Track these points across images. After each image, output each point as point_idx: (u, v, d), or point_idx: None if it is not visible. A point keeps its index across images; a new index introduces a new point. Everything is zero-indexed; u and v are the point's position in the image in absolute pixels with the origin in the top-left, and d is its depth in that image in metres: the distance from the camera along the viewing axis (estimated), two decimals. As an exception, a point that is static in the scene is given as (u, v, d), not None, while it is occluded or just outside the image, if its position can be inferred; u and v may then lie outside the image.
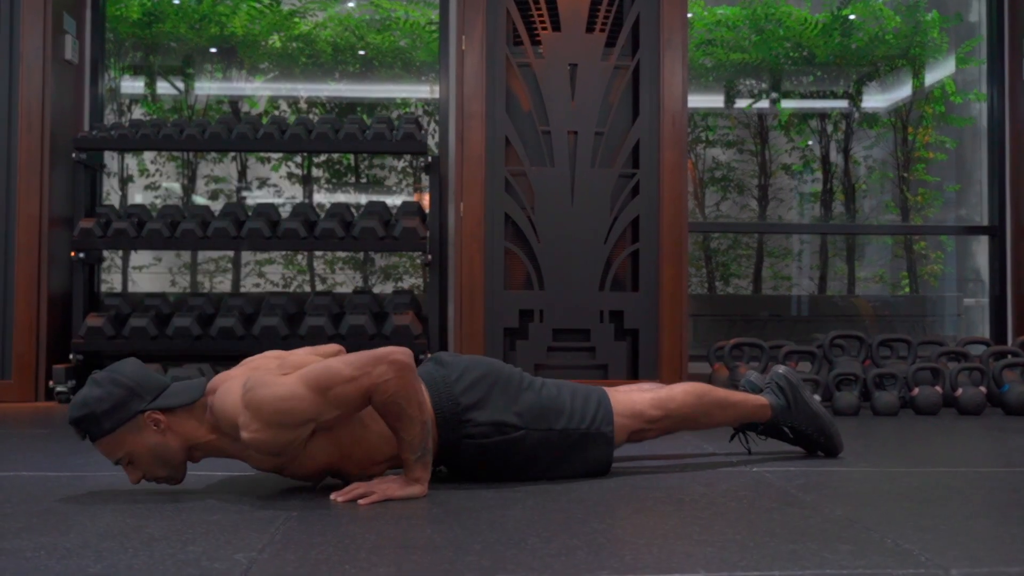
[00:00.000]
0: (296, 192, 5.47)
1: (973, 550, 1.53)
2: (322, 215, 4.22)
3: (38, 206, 4.02)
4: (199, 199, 5.40)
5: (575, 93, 4.28)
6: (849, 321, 5.55)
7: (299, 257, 5.48)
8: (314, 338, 3.94)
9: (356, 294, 4.25)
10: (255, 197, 5.45)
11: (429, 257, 4.18)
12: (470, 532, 1.64)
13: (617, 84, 4.31)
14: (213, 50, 5.39)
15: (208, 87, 5.42)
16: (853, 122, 5.85)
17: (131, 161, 5.34)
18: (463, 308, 4.17)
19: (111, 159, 5.15)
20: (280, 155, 5.37)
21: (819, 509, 1.85)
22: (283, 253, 5.40)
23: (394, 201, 4.75)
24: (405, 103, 5.45)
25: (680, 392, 2.30)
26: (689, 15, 4.50)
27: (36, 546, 1.54)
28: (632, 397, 2.27)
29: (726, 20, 5.65)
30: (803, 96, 5.92)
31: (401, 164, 5.47)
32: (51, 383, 3.97)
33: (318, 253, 5.41)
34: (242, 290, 5.36)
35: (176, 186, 5.46)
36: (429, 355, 4.06)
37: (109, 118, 4.88)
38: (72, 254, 4.09)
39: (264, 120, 4.27)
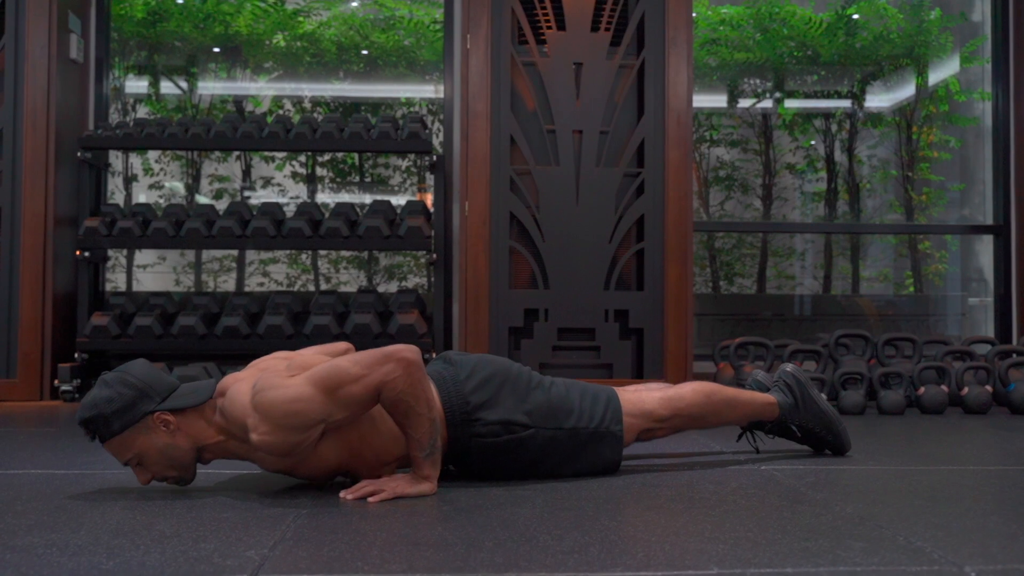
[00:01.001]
0: (300, 191, 5.46)
1: (987, 547, 1.53)
2: (327, 214, 4.22)
3: (43, 205, 4.02)
4: (203, 198, 5.40)
5: (580, 92, 4.27)
6: (853, 321, 5.54)
7: (303, 256, 5.48)
8: (319, 337, 3.94)
9: (361, 293, 4.25)
10: (259, 197, 5.45)
11: (434, 256, 4.18)
12: (481, 529, 1.64)
13: (622, 83, 4.31)
14: (217, 49, 5.39)
15: (212, 86, 5.42)
16: (857, 121, 5.84)
17: (135, 160, 5.34)
18: (468, 307, 4.17)
19: (115, 158, 5.15)
20: (284, 154, 5.36)
21: (830, 507, 1.84)
22: (287, 252, 5.40)
23: (398, 200, 4.76)
24: (409, 102, 5.44)
25: (689, 391, 2.30)
26: (693, 14, 4.49)
27: (47, 543, 1.54)
28: (641, 396, 2.26)
29: (730, 19, 5.65)
30: (807, 95, 5.91)
31: (405, 163, 5.47)
32: (56, 382, 3.97)
33: (322, 252, 5.40)
34: (246, 289, 5.36)
35: (180, 185, 5.46)
36: (435, 354, 4.07)
37: (113, 117, 4.88)
38: (77, 253, 4.09)
39: (269, 119, 4.27)
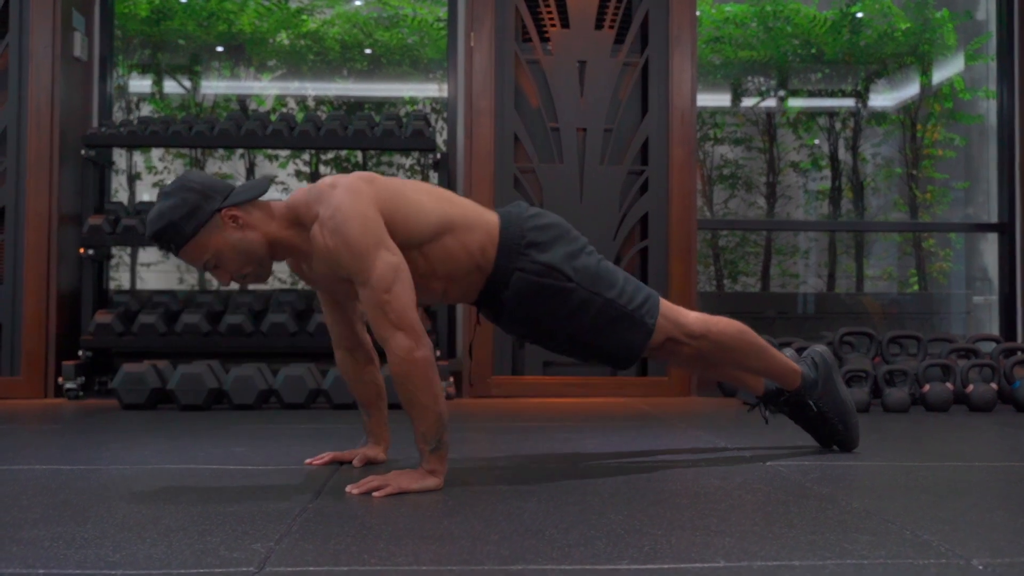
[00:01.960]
0: (303, 190, 5.46)
1: (994, 541, 1.52)
2: (331, 212, 4.21)
3: (47, 203, 4.02)
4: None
5: (584, 90, 4.27)
6: (857, 319, 5.54)
7: (307, 255, 5.47)
8: (323, 335, 3.94)
9: (365, 291, 4.23)
10: (263, 195, 5.45)
11: (438, 254, 4.17)
12: (487, 523, 1.64)
13: (626, 81, 4.31)
14: (220, 48, 5.39)
15: (216, 85, 5.43)
16: (861, 119, 5.83)
17: (139, 158, 5.35)
18: (472, 305, 4.16)
19: (119, 156, 5.15)
20: (288, 152, 5.37)
21: (836, 501, 1.84)
22: (291, 251, 5.39)
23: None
24: (413, 100, 5.44)
25: (725, 321, 2.31)
26: (697, 12, 4.49)
27: (53, 536, 1.53)
28: (680, 309, 2.29)
29: (734, 17, 5.65)
30: (811, 93, 5.91)
31: (409, 161, 5.47)
32: (60, 380, 3.97)
33: (326, 251, 5.39)
34: (250, 287, 5.36)
35: (183, 184, 5.46)
36: (439, 352, 4.06)
37: (117, 116, 4.89)
38: (81, 251, 4.10)
39: (272, 118, 4.27)
